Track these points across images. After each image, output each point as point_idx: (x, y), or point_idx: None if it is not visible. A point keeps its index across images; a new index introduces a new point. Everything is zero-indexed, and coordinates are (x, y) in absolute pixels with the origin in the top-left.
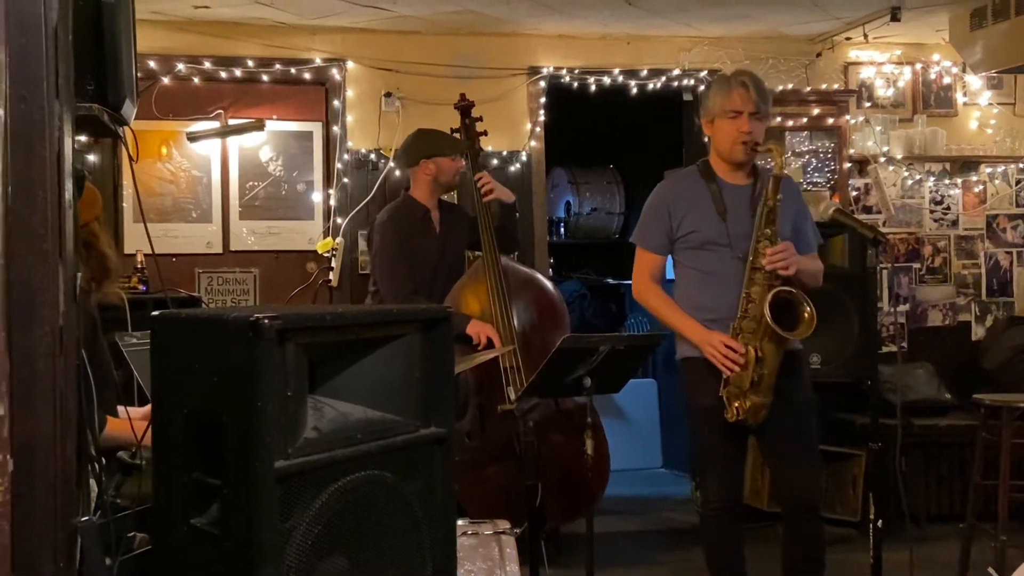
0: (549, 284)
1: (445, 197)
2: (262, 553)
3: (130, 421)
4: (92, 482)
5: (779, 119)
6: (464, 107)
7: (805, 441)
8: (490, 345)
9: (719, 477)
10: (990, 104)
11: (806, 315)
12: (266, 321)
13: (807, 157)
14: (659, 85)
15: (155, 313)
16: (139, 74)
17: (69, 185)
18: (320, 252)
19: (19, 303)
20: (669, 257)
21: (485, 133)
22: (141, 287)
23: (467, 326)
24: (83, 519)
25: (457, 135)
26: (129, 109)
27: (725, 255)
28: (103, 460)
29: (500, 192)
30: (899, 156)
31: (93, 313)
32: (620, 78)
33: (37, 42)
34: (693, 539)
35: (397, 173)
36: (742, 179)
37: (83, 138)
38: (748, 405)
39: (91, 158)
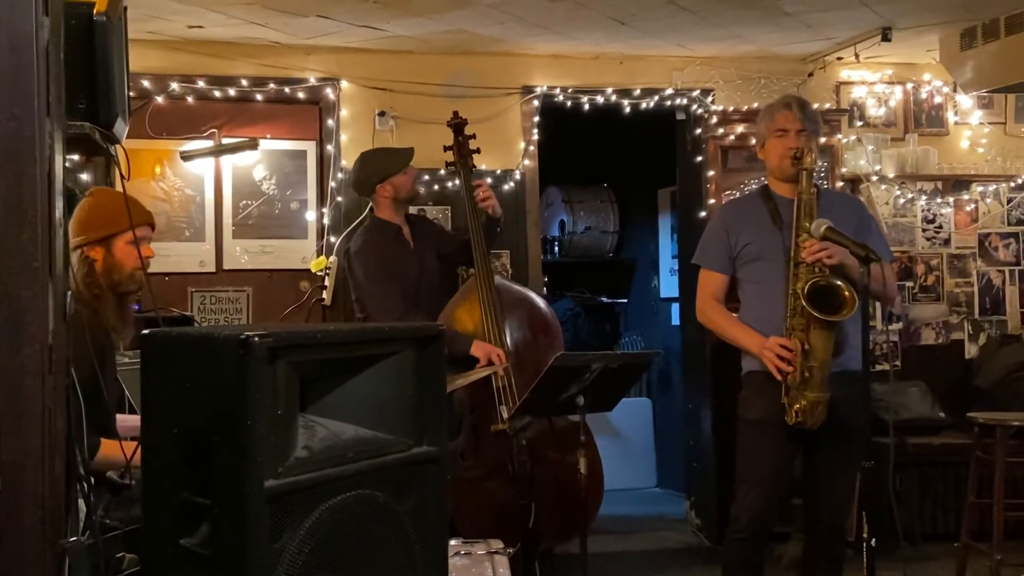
0: (542, 302)
1: (442, 214)
2: (252, 573)
3: (119, 441)
4: (81, 502)
5: None
6: (457, 125)
7: (846, 466)
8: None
9: (753, 496)
10: (981, 123)
11: (847, 295)
12: (256, 339)
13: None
14: (652, 104)
15: (145, 332)
16: (133, 93)
17: (59, 203)
18: (314, 271)
19: (8, 321)
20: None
21: (478, 151)
22: (133, 306)
23: (471, 347)
24: (71, 540)
25: (451, 153)
26: (121, 127)
27: (782, 265)
28: (92, 480)
29: (494, 203)
30: (891, 175)
31: (102, 336)
32: (613, 97)
33: (28, 60)
34: (688, 559)
35: None
36: None
37: (75, 157)
38: (805, 404)
39: (84, 176)
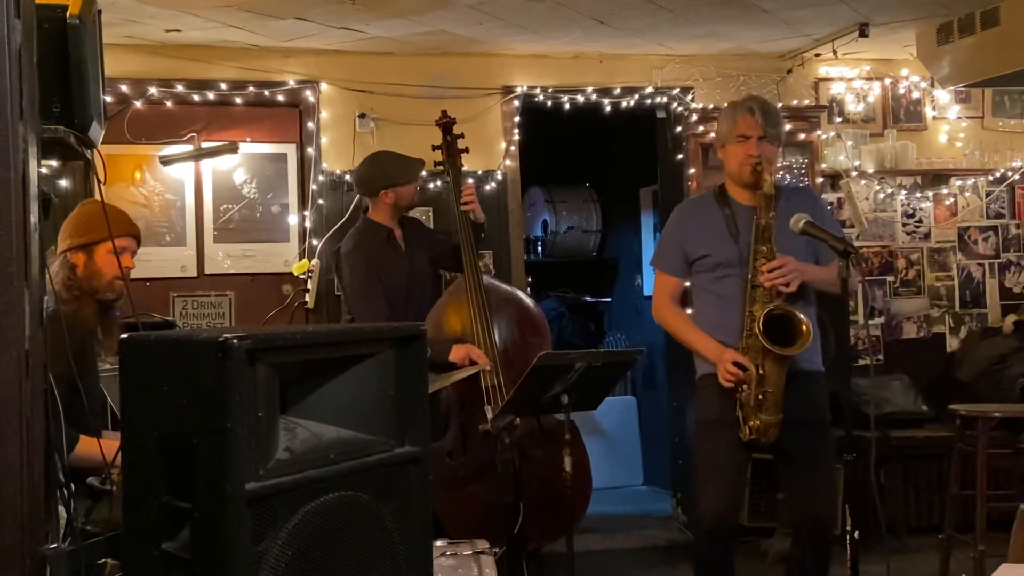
0: (531, 302)
1: (424, 215)
2: None
3: (100, 447)
4: (61, 508)
5: None
6: (446, 124)
7: (821, 464)
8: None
9: (713, 495)
10: (959, 118)
11: (803, 328)
12: (235, 341)
13: (780, 173)
14: (632, 103)
15: (123, 336)
16: (111, 98)
17: (35, 208)
18: (296, 274)
19: None
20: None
21: (466, 150)
22: (115, 313)
23: (451, 353)
24: (52, 546)
25: (439, 152)
26: (96, 131)
27: (737, 277)
28: (72, 486)
29: (477, 208)
30: (870, 170)
31: (83, 335)
32: (594, 96)
33: (0, 64)
34: (674, 556)
35: None
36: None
37: (53, 162)
38: (758, 424)
39: (62, 183)
